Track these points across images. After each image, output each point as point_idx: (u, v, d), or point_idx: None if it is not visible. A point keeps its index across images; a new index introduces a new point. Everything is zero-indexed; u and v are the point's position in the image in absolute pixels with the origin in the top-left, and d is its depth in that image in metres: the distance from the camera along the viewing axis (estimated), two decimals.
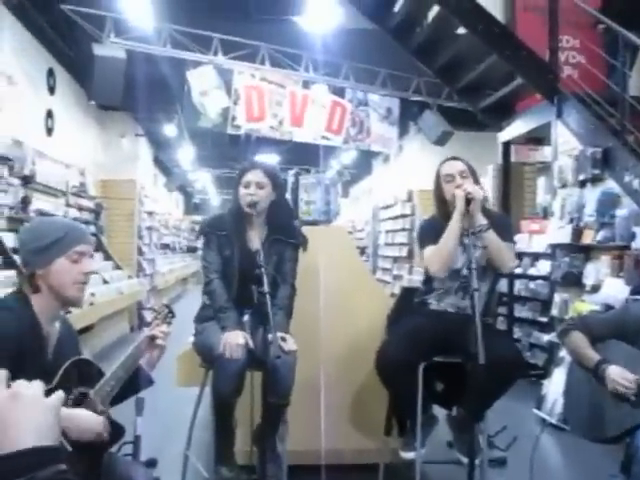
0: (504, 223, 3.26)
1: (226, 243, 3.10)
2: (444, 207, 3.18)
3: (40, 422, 0.96)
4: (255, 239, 3.10)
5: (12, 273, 5.46)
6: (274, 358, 2.67)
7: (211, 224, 3.20)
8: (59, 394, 1.02)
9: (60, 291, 1.99)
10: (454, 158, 3.24)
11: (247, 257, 3.05)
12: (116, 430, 1.99)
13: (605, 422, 2.60)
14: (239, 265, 3.06)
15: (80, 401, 1.89)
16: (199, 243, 3.29)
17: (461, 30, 6.55)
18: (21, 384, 0.99)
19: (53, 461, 0.93)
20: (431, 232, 3.16)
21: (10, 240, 6.01)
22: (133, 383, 2.11)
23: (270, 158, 14.82)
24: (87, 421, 1.81)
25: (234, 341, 2.83)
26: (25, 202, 6.71)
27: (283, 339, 2.86)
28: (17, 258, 2.19)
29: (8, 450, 0.91)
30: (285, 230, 3.18)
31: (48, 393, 1.01)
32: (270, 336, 2.70)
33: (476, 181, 3.18)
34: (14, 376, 1.02)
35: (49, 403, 0.99)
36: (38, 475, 0.90)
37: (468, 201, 2.97)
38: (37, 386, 1.00)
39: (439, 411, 3.39)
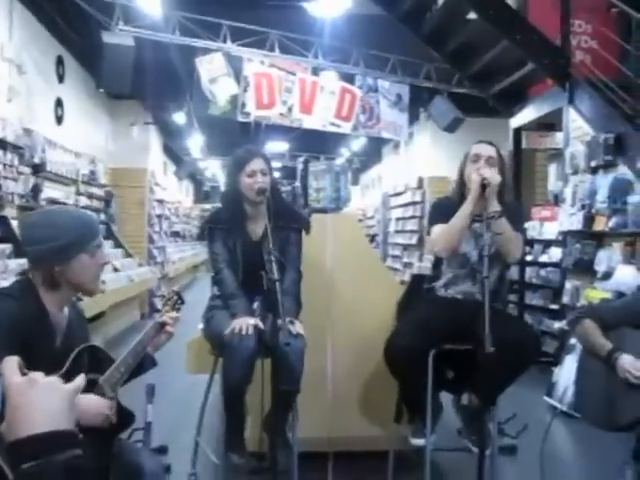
0: (516, 212, 3.23)
1: (228, 236, 3.10)
2: (461, 187, 3.17)
3: (56, 407, 0.96)
4: (256, 228, 3.10)
5: (24, 261, 5.49)
6: (283, 345, 2.66)
7: (211, 220, 3.21)
8: (79, 380, 1.03)
9: (80, 285, 2.00)
10: (488, 142, 3.21)
11: (250, 247, 3.06)
12: (126, 417, 1.99)
13: (617, 410, 2.58)
14: (242, 256, 3.07)
15: (89, 388, 1.89)
16: (204, 241, 3.27)
17: (472, 15, 6.49)
18: (37, 373, 1.00)
19: (69, 445, 0.93)
20: (442, 212, 3.15)
21: None
22: (138, 365, 2.11)
23: (279, 145, 14.83)
24: (94, 405, 1.81)
25: (244, 323, 2.83)
26: (36, 190, 6.74)
27: (292, 323, 2.86)
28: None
29: (24, 434, 0.92)
30: (287, 215, 3.17)
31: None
32: (279, 322, 2.69)
33: (501, 170, 3.15)
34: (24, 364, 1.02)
35: (66, 389, 1.00)
36: (53, 459, 0.91)
37: (484, 186, 2.94)
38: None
39: (444, 399, 3.38)
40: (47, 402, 0.96)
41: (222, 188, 24.63)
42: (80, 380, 1.03)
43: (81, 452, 0.94)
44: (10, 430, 0.94)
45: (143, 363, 2.17)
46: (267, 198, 3.06)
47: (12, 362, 1.01)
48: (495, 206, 2.96)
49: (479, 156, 3.12)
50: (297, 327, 2.92)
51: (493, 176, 2.99)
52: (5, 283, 4.08)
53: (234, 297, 3.01)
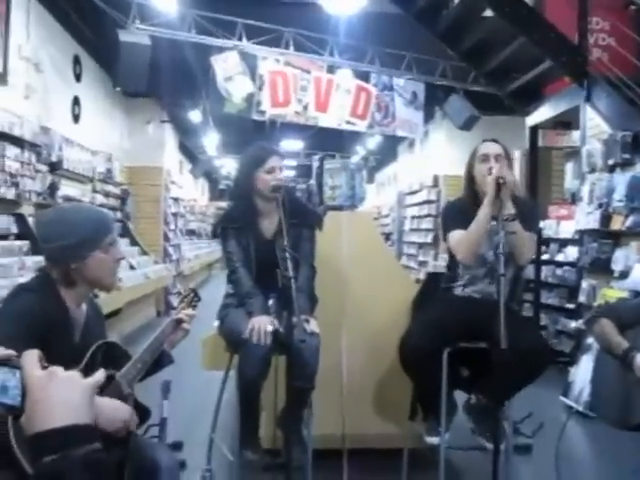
0: (531, 212, 3.21)
1: (241, 234, 3.11)
2: (472, 187, 3.16)
3: (76, 401, 0.97)
4: (269, 226, 3.11)
5: (40, 259, 5.54)
6: (298, 342, 2.67)
7: (225, 219, 3.22)
8: (99, 375, 1.03)
9: (97, 281, 2.02)
10: (493, 140, 3.21)
11: (263, 245, 3.06)
12: (142, 412, 2.00)
13: (633, 409, 2.56)
14: (255, 254, 3.08)
15: (106, 384, 1.91)
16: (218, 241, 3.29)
17: (488, 12, 6.46)
18: (57, 367, 1.01)
19: (88, 439, 0.94)
20: (457, 215, 3.13)
21: None
22: (154, 362, 2.12)
23: (295, 144, 14.83)
24: (115, 410, 1.81)
25: (262, 327, 2.84)
26: (53, 188, 6.79)
27: (307, 321, 2.86)
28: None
29: (44, 427, 0.93)
30: (299, 213, 3.17)
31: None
32: (294, 319, 2.70)
33: (510, 167, 3.14)
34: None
35: (86, 383, 1.01)
36: (73, 452, 0.91)
37: (499, 186, 2.92)
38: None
39: (459, 398, 3.37)
40: (67, 396, 0.96)
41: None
42: (100, 375, 1.04)
43: (100, 446, 0.95)
44: (30, 423, 0.95)
45: (160, 360, 2.18)
46: (282, 195, 3.07)
47: (32, 355, 1.02)
48: (510, 207, 2.93)
49: (487, 155, 3.11)
50: (312, 325, 2.92)
51: (507, 175, 2.98)
52: (22, 280, 4.12)
53: (250, 296, 3.01)
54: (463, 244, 3.04)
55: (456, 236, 3.08)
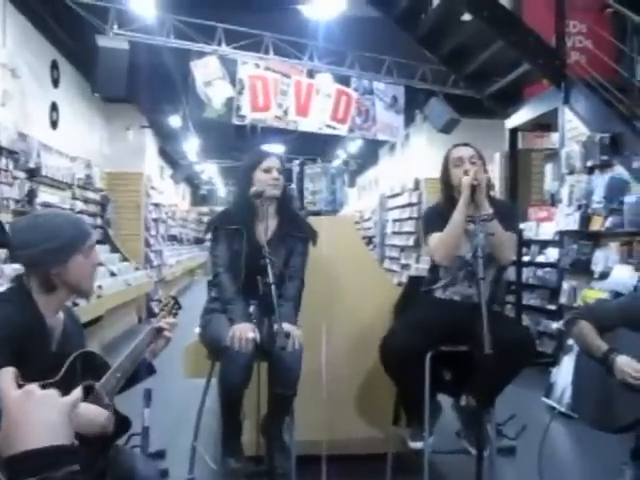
0: (509, 212, 3.23)
1: (235, 237, 3.10)
2: (449, 191, 3.17)
3: (54, 421, 0.94)
4: (263, 232, 3.09)
5: (19, 267, 5.46)
6: (279, 349, 2.65)
7: (220, 219, 3.22)
8: (76, 393, 1.00)
9: (76, 286, 2.00)
10: (465, 144, 3.23)
11: (254, 250, 3.04)
12: (122, 422, 1.98)
13: (615, 411, 2.57)
14: (246, 258, 3.06)
15: (86, 394, 1.88)
16: (207, 237, 3.28)
17: (467, 16, 6.49)
18: (33, 385, 0.98)
19: (67, 461, 0.91)
20: (436, 219, 3.14)
21: None
22: (135, 373, 2.09)
23: (276, 148, 14.79)
24: (91, 414, 1.79)
25: (243, 335, 2.82)
26: (31, 195, 6.72)
27: (287, 335, 2.80)
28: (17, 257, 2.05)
29: (21, 449, 0.90)
30: (295, 223, 3.19)
31: (53, 386, 0.99)
32: (276, 327, 2.68)
33: (484, 169, 3.16)
34: (19, 370, 1.01)
35: (63, 402, 0.97)
36: (51, 475, 0.88)
37: (474, 188, 2.94)
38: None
39: (444, 400, 3.37)
40: (45, 416, 0.93)
41: (220, 191, 24.69)
42: (77, 393, 1.00)
43: (79, 468, 0.92)
44: (7, 445, 0.91)
45: (141, 370, 2.15)
46: (278, 200, 3.07)
47: (8, 374, 0.99)
48: (487, 208, 2.95)
49: (462, 158, 3.13)
50: (295, 333, 2.91)
51: (481, 177, 2.99)
52: (1, 288, 4.06)
53: (232, 302, 3.00)
54: (439, 246, 3.06)
55: (434, 239, 3.10)
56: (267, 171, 3.10)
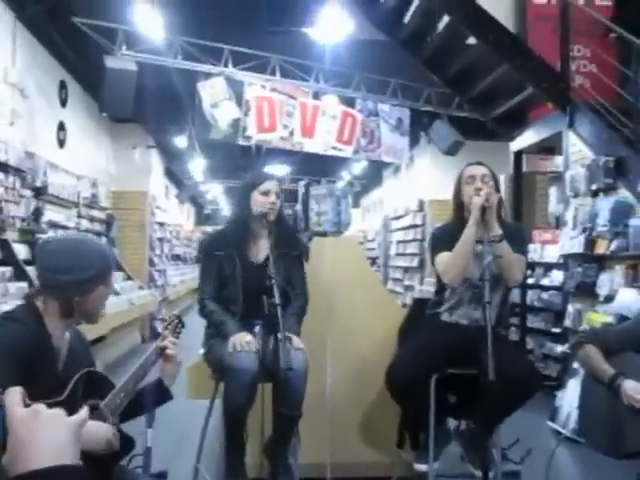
0: (518, 234, 3.21)
1: (227, 261, 3.09)
2: (460, 210, 3.16)
3: (61, 440, 0.94)
4: (259, 252, 3.10)
5: (24, 285, 5.47)
6: (285, 369, 2.64)
7: (211, 244, 3.20)
8: (83, 413, 1.00)
9: (92, 315, 2.02)
10: (478, 163, 3.23)
11: (251, 271, 3.05)
12: (126, 442, 1.97)
13: (622, 436, 2.54)
14: (243, 281, 3.05)
15: (90, 413, 1.87)
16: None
17: (472, 40, 6.54)
18: (40, 404, 0.98)
19: None
20: (445, 239, 3.12)
21: (22, 252, 6.03)
22: (153, 396, 2.09)
23: (281, 169, 14.85)
24: (96, 430, 1.79)
25: (243, 339, 2.85)
26: (37, 214, 6.75)
27: (289, 339, 2.80)
28: (39, 277, 2.04)
29: (28, 469, 0.89)
30: (290, 242, 3.20)
31: (58, 405, 0.99)
32: (279, 335, 2.67)
33: (497, 189, 3.15)
34: (26, 389, 1.01)
35: (70, 421, 0.97)
36: None
37: (484, 209, 2.93)
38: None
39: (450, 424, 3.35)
40: (52, 436, 0.93)
41: (225, 211, 24.75)
42: (84, 412, 1.00)
43: None
44: (13, 464, 0.91)
45: (159, 396, 2.16)
46: (270, 222, 3.07)
47: (15, 393, 0.99)
48: (496, 229, 2.94)
49: (474, 177, 3.12)
50: (296, 342, 2.91)
51: (492, 197, 2.98)
52: (5, 306, 4.06)
53: (224, 322, 3.00)
54: (448, 266, 3.04)
55: (443, 259, 3.08)
56: (265, 194, 3.10)
